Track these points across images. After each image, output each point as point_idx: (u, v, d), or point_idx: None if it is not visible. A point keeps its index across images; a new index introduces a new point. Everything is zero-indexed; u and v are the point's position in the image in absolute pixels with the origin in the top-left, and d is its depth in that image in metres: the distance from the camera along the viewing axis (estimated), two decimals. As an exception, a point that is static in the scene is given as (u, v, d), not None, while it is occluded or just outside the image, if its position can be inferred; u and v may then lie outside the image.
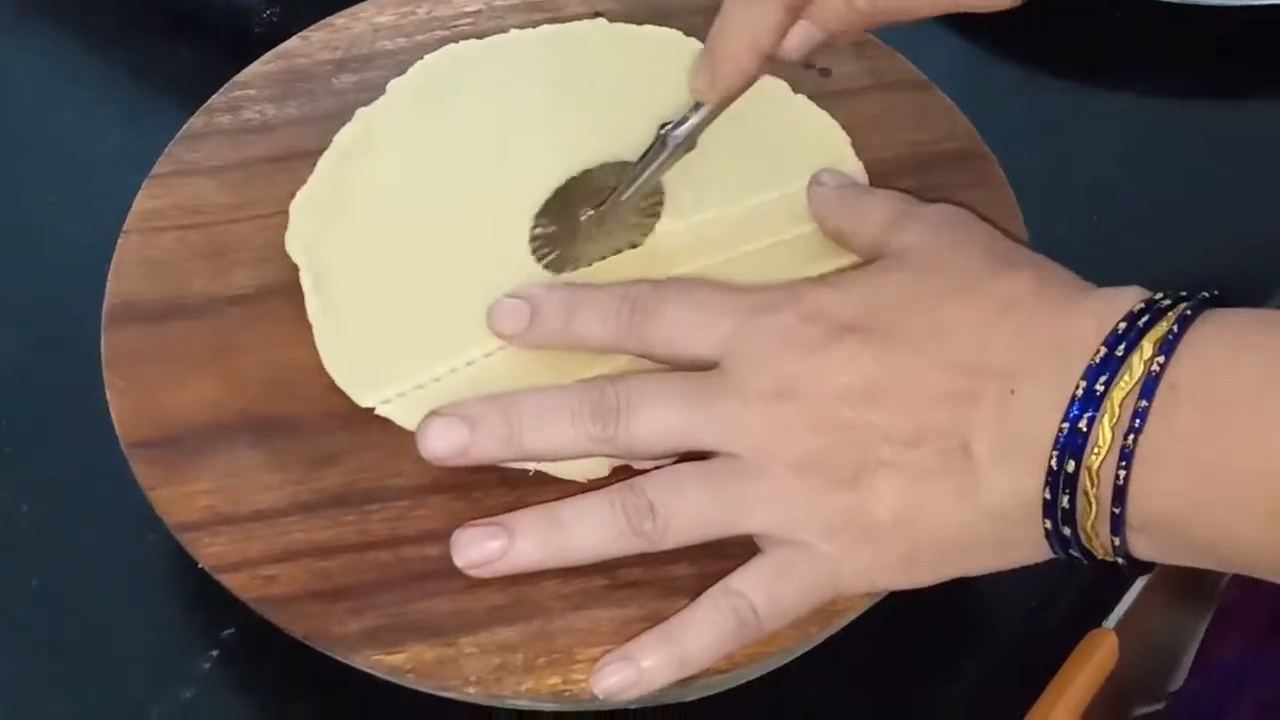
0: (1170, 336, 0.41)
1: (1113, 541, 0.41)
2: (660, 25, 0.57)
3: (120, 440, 0.47)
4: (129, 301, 0.51)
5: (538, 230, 0.51)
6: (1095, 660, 0.52)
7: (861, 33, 0.48)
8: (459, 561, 0.44)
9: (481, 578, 0.44)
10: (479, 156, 0.54)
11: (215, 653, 0.48)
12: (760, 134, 0.54)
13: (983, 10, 0.45)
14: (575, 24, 0.58)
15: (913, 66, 0.57)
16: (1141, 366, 0.40)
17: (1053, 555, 0.43)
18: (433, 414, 0.45)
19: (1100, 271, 0.57)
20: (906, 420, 0.43)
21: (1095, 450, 0.40)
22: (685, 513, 0.44)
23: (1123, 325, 0.41)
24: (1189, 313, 0.41)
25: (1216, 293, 0.42)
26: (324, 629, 0.44)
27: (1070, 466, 0.41)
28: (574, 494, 0.45)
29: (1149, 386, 0.40)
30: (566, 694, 0.43)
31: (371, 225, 0.52)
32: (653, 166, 0.51)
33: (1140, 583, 0.55)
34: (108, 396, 0.48)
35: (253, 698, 0.48)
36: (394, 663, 0.43)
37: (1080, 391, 0.41)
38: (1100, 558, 0.42)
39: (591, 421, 0.44)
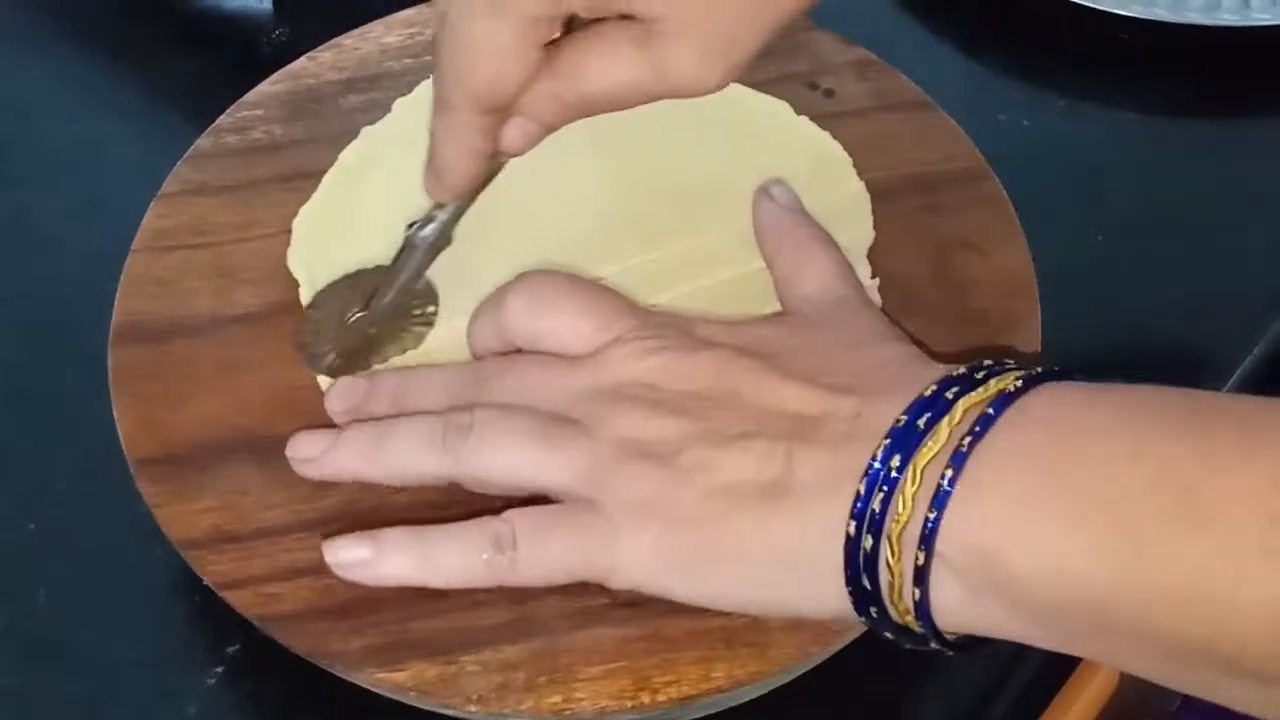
0: (1032, 375, 0.40)
1: (916, 561, 0.39)
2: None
3: (126, 457, 0.48)
4: (136, 320, 0.51)
5: (304, 328, 0.51)
6: (1097, 681, 0.52)
7: (573, 120, 0.47)
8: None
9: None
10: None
11: (219, 669, 0.48)
12: (762, 155, 0.54)
13: (686, 97, 0.45)
14: None
15: (915, 87, 0.57)
16: (997, 387, 0.40)
17: (840, 601, 0.41)
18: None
19: (1103, 289, 0.58)
20: (745, 422, 0.43)
21: (926, 449, 0.39)
22: (499, 440, 0.44)
23: (990, 362, 0.42)
24: (1056, 369, 0.41)
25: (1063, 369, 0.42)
26: (327, 646, 0.44)
27: (895, 462, 0.39)
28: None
29: (1001, 402, 0.39)
30: (568, 712, 0.43)
31: (374, 243, 0.52)
32: (409, 270, 0.50)
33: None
34: (114, 414, 0.49)
35: (256, 714, 0.48)
36: (396, 680, 0.43)
37: (928, 393, 0.40)
38: (891, 601, 0.40)
39: (459, 385, 0.46)
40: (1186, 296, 0.58)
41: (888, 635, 0.41)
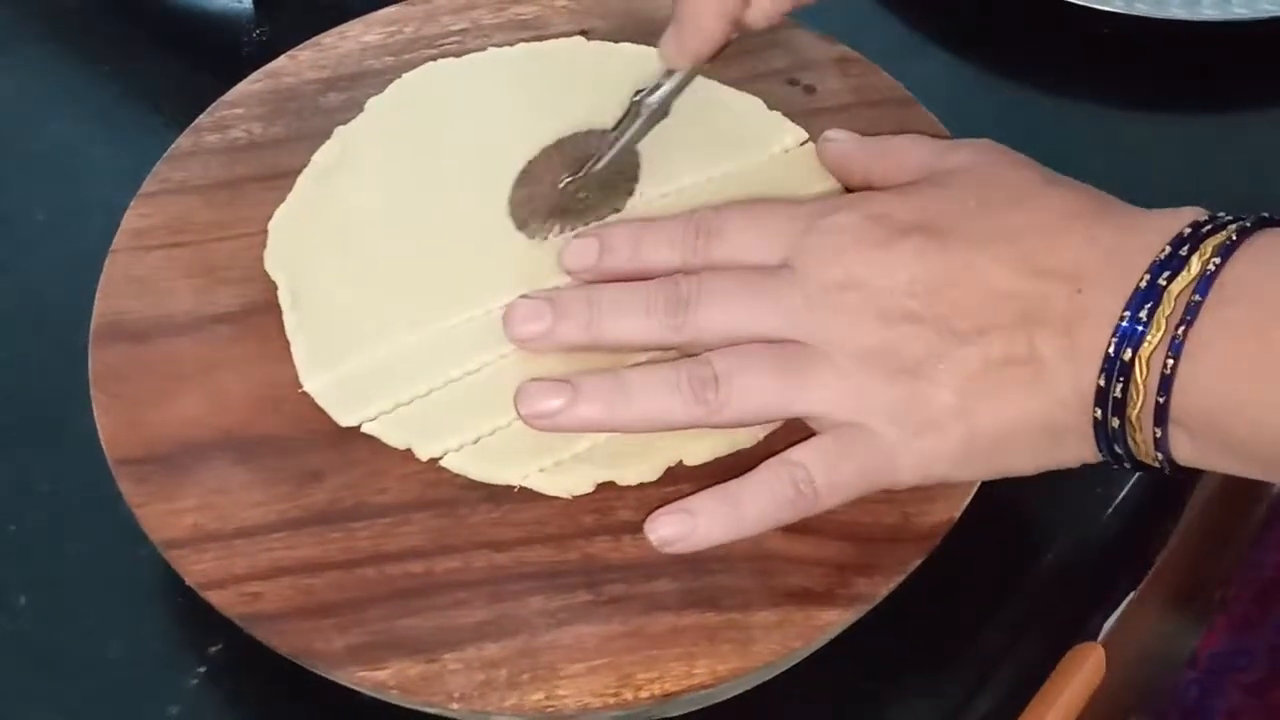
0: (1229, 242, 0.43)
1: (1155, 434, 0.43)
2: (643, 43, 0.58)
3: (107, 457, 0.48)
4: (116, 319, 0.51)
5: (516, 196, 0.52)
6: (1081, 675, 0.52)
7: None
8: (522, 409, 0.45)
9: (542, 429, 0.46)
10: (457, 173, 0.54)
11: (202, 669, 0.48)
12: (734, 150, 0.55)
13: None
14: (553, 42, 0.58)
15: (896, 83, 0.57)
16: (1199, 265, 0.42)
17: (1095, 456, 0.45)
18: (522, 298, 0.48)
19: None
20: (973, 314, 0.45)
21: (1148, 341, 0.42)
22: (748, 387, 0.45)
23: (1187, 230, 0.44)
24: (1248, 224, 0.44)
25: (1275, 216, 0.44)
26: (309, 645, 0.44)
27: (1126, 355, 0.42)
28: (560, 509, 0.46)
29: (1204, 284, 0.42)
30: (550, 710, 0.43)
31: (350, 242, 0.52)
32: (628, 134, 0.52)
33: (1129, 596, 0.55)
34: (95, 413, 0.48)
35: (239, 714, 0.48)
36: (378, 679, 0.43)
37: (1144, 284, 0.43)
38: (1141, 458, 0.44)
39: (664, 312, 0.46)
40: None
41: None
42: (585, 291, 0.48)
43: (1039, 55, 0.66)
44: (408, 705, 0.44)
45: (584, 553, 0.46)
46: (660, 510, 0.45)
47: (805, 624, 0.44)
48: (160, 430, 0.48)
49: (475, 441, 0.47)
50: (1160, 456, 0.43)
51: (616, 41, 0.58)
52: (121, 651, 0.49)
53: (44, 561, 0.51)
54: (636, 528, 0.46)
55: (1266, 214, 0.44)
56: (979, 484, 0.47)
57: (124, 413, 0.48)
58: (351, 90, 0.57)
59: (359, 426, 0.48)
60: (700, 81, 0.56)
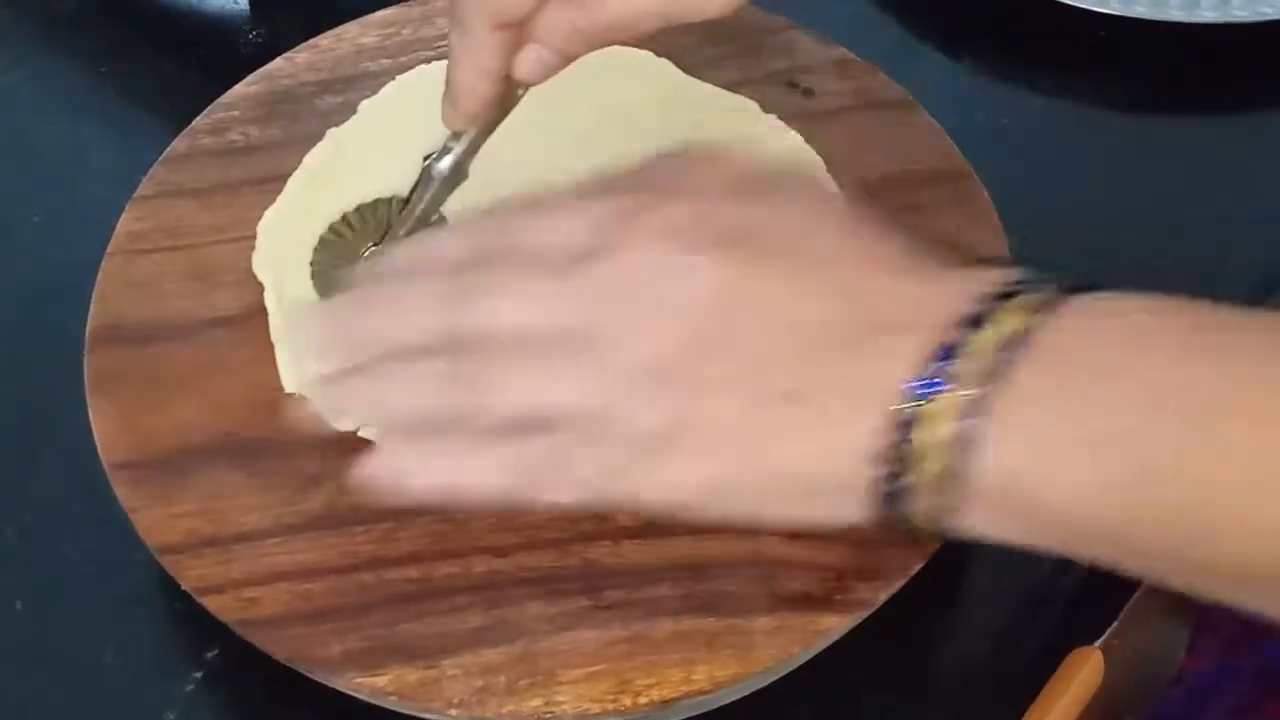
0: (1043, 302, 0.40)
1: (944, 499, 0.39)
2: (640, 45, 0.58)
3: (103, 461, 0.47)
4: (113, 323, 0.51)
5: (317, 260, 0.51)
6: (1080, 679, 0.52)
7: (588, 50, 0.46)
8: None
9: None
10: None
11: (199, 674, 0.48)
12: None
13: (696, 19, 0.44)
14: None
15: (896, 86, 0.57)
16: (1011, 325, 0.40)
17: (864, 518, 0.41)
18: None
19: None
20: (761, 341, 0.41)
21: (948, 398, 0.39)
22: (510, 373, 0.42)
23: (1000, 288, 0.41)
24: (1064, 286, 0.41)
25: (1096, 281, 0.42)
26: (306, 651, 0.44)
27: (920, 408, 0.39)
28: (559, 514, 0.46)
29: (1015, 342, 0.39)
30: (549, 716, 0.43)
31: None
32: (424, 201, 0.49)
33: (1130, 600, 0.55)
34: (91, 418, 0.48)
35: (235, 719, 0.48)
36: (377, 685, 0.43)
37: (948, 338, 0.40)
38: (921, 523, 0.40)
39: (448, 297, 0.43)
40: (1168, 291, 0.58)
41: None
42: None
43: (1038, 57, 0.66)
44: (406, 711, 0.44)
45: (583, 558, 0.46)
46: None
47: (805, 629, 0.44)
48: (156, 434, 0.48)
49: None
50: (943, 523, 0.40)
51: (614, 44, 0.58)
52: (117, 657, 0.48)
53: (39, 566, 0.50)
54: (636, 533, 0.46)
55: (1088, 281, 0.41)
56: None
57: (120, 417, 0.48)
58: (348, 92, 0.57)
59: (356, 431, 0.48)
60: (694, 85, 0.56)
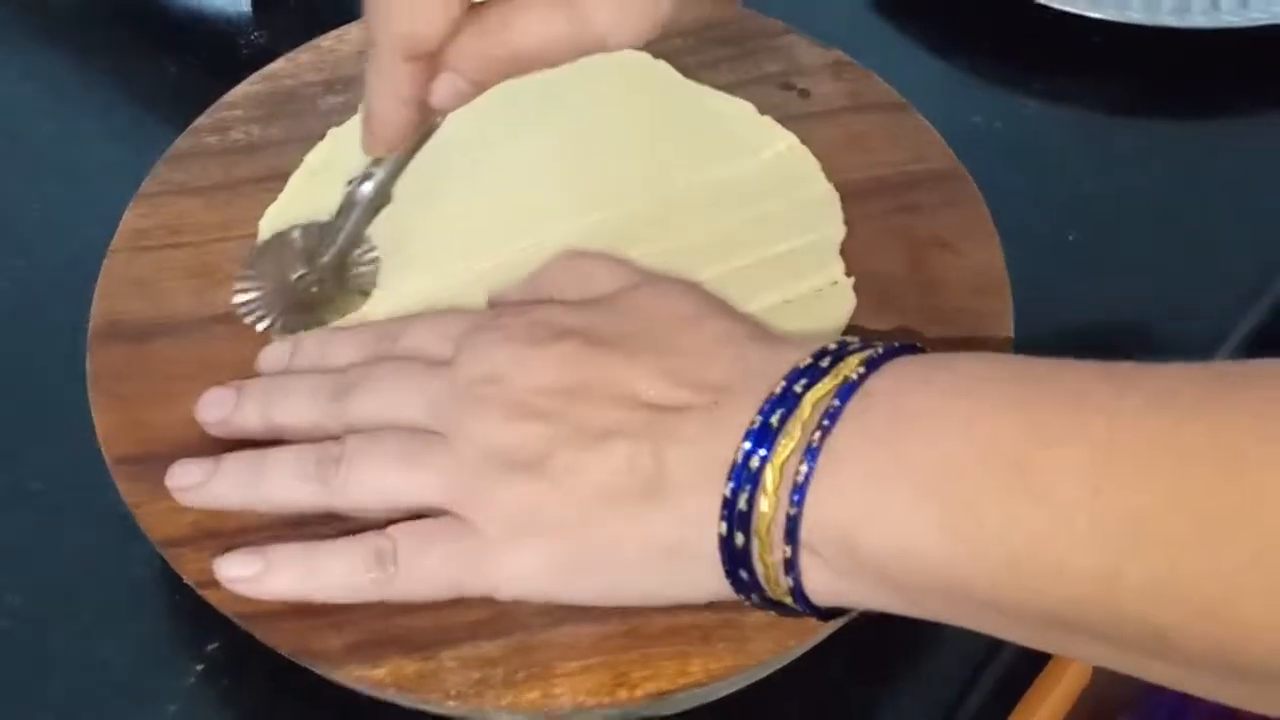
0: (875, 356, 0.42)
1: (785, 553, 0.40)
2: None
3: (105, 456, 0.48)
4: (115, 320, 0.51)
5: (245, 293, 0.51)
6: (1068, 678, 0.52)
7: (502, 78, 0.46)
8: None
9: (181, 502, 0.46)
10: (447, 175, 0.54)
11: (199, 667, 0.48)
12: (728, 155, 0.55)
13: (607, 50, 0.45)
14: None
15: (890, 88, 0.58)
16: (842, 374, 0.41)
17: (721, 588, 0.42)
18: (212, 388, 0.48)
19: (1077, 289, 0.58)
20: (603, 419, 0.43)
21: (781, 447, 0.40)
22: (369, 467, 0.45)
23: (832, 346, 0.43)
24: (895, 346, 0.42)
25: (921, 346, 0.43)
26: (306, 644, 0.44)
27: (754, 463, 0.41)
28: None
29: (845, 391, 0.41)
30: (546, 708, 0.43)
31: None
32: (348, 226, 0.51)
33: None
34: (93, 413, 0.49)
35: (237, 712, 0.48)
36: (375, 677, 0.44)
37: (778, 391, 0.41)
38: (769, 588, 0.42)
39: (327, 398, 0.47)
40: (1159, 295, 0.59)
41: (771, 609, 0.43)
42: (266, 380, 0.49)
43: (1031, 62, 0.66)
44: (404, 703, 0.44)
45: (580, 552, 0.46)
46: (238, 549, 0.45)
47: (799, 623, 0.44)
48: (158, 430, 0.48)
49: None
50: (790, 585, 0.41)
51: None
52: (118, 650, 0.49)
53: (40, 560, 0.51)
54: (632, 528, 0.46)
55: (915, 344, 0.43)
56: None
57: (122, 412, 0.49)
58: (349, 92, 0.57)
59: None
60: (690, 87, 0.57)
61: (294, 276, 0.51)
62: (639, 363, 0.44)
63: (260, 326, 0.51)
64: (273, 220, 0.53)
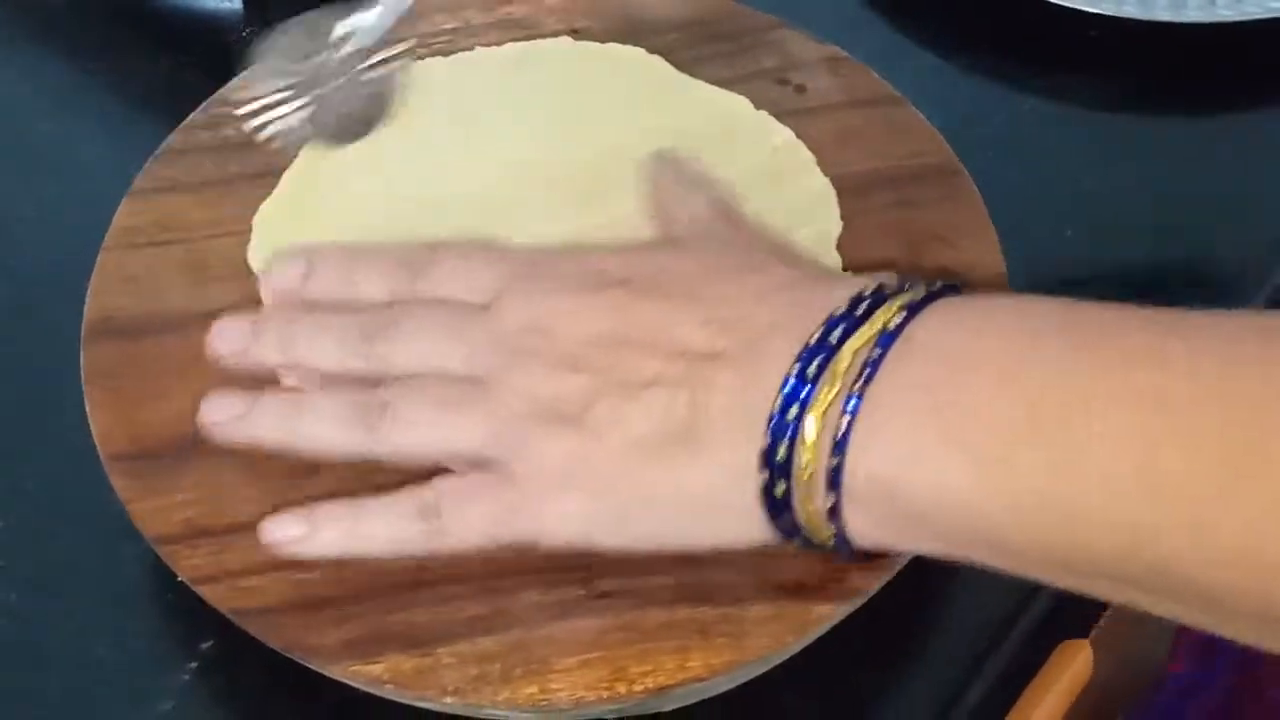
0: (914, 302, 0.41)
1: (827, 503, 0.40)
2: (631, 43, 0.58)
3: (100, 453, 0.48)
4: (108, 316, 0.51)
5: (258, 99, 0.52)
6: (1070, 672, 0.52)
7: None
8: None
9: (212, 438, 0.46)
10: (441, 170, 0.54)
11: (194, 665, 0.48)
12: (721, 150, 0.55)
13: None
14: (539, 41, 0.58)
15: (886, 82, 0.58)
16: (882, 320, 0.41)
17: (763, 534, 0.42)
18: (226, 317, 0.47)
19: (1073, 284, 0.58)
20: (644, 368, 0.43)
21: (821, 397, 0.40)
22: (412, 415, 0.44)
23: (872, 288, 0.42)
24: (936, 288, 0.42)
25: (960, 285, 0.43)
26: (302, 640, 0.44)
27: (793, 412, 0.40)
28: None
29: (885, 340, 0.40)
30: (544, 703, 0.43)
31: (334, 237, 0.52)
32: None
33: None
34: (87, 410, 0.48)
35: (232, 710, 0.48)
36: (372, 673, 0.43)
37: (814, 339, 0.41)
38: (813, 534, 0.42)
39: (357, 340, 0.45)
40: (1156, 291, 0.58)
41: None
42: (287, 314, 0.47)
43: (1027, 57, 0.66)
44: (402, 700, 0.44)
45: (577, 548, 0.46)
46: (284, 510, 0.45)
47: (799, 618, 0.44)
48: (152, 426, 0.48)
49: None
50: (834, 531, 0.41)
51: (605, 41, 0.59)
52: (112, 648, 0.48)
53: (34, 558, 0.50)
54: (630, 522, 0.46)
55: (955, 283, 0.43)
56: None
57: (116, 409, 0.48)
58: (343, 89, 0.57)
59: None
60: (685, 82, 0.56)
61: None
62: (680, 312, 0.44)
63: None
64: (266, 216, 0.53)
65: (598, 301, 0.44)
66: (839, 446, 0.40)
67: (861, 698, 0.48)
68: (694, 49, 0.59)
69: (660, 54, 0.58)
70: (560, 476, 0.43)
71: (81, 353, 0.50)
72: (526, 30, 0.59)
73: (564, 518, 0.43)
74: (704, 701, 0.46)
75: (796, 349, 0.41)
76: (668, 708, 0.46)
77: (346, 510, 0.44)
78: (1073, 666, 0.52)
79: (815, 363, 0.41)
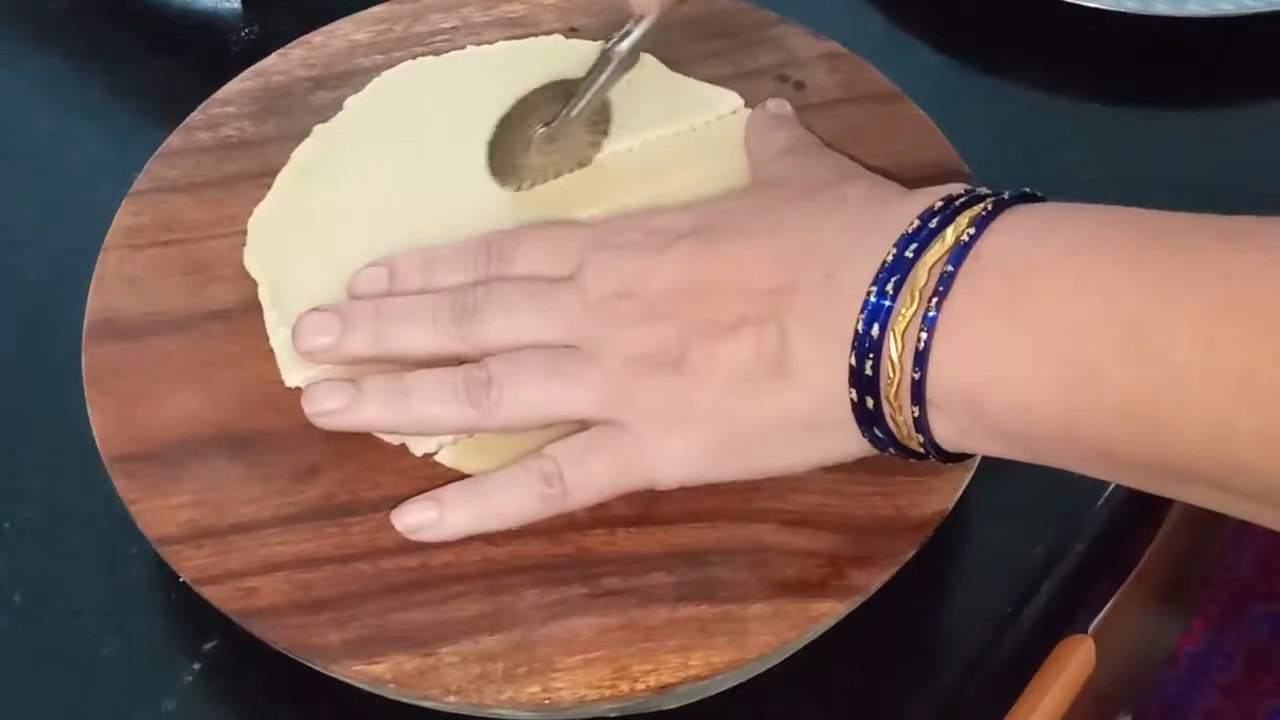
0: (984, 214, 0.42)
1: (913, 414, 0.42)
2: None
3: (101, 454, 0.48)
4: (109, 317, 0.51)
5: (492, 145, 0.53)
6: (1072, 667, 0.52)
7: None
8: (305, 407, 0.46)
9: (327, 428, 0.47)
10: (434, 170, 0.54)
11: (197, 665, 0.48)
12: (716, 146, 0.55)
13: None
14: (532, 40, 0.58)
15: (886, 79, 0.58)
16: (953, 236, 0.42)
17: (861, 447, 0.44)
18: (311, 310, 0.48)
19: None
20: (729, 309, 0.45)
21: (900, 315, 0.42)
22: (519, 389, 0.46)
23: (940, 204, 0.43)
24: (1005, 197, 0.43)
25: (1038, 192, 0.44)
26: (305, 640, 0.44)
27: (875, 331, 0.42)
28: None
29: (957, 255, 0.42)
30: (547, 702, 0.43)
31: (328, 239, 0.52)
32: (599, 81, 0.53)
33: (1120, 588, 0.55)
34: (89, 411, 0.48)
35: (234, 710, 0.48)
36: (375, 673, 0.43)
37: (890, 258, 0.42)
38: (904, 442, 0.43)
39: (450, 321, 0.47)
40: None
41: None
42: (373, 304, 0.48)
43: (1026, 51, 0.66)
44: (404, 699, 0.44)
45: (578, 546, 0.46)
46: (410, 499, 0.46)
47: (800, 615, 0.44)
48: (154, 427, 0.48)
49: (469, 436, 0.48)
50: (922, 440, 0.43)
51: (599, 39, 0.59)
52: (116, 648, 0.49)
53: (37, 559, 0.51)
54: (631, 521, 0.46)
55: (1027, 189, 0.44)
56: (970, 477, 0.47)
57: (118, 410, 0.49)
58: (341, 88, 0.57)
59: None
60: (681, 81, 0.56)
61: (533, 132, 0.53)
62: (751, 247, 0.46)
63: (510, 186, 0.53)
64: (262, 218, 0.53)
65: (670, 256, 0.46)
66: (920, 361, 0.41)
67: (862, 696, 0.48)
68: (694, 46, 0.59)
69: (661, 51, 0.58)
70: (668, 420, 0.45)
71: (83, 354, 0.50)
72: (525, 28, 0.59)
73: (677, 458, 0.45)
74: (705, 699, 0.46)
75: (874, 270, 0.42)
76: (670, 706, 0.46)
77: (471, 490, 0.46)
78: (1074, 661, 0.52)
79: (892, 281, 0.42)
